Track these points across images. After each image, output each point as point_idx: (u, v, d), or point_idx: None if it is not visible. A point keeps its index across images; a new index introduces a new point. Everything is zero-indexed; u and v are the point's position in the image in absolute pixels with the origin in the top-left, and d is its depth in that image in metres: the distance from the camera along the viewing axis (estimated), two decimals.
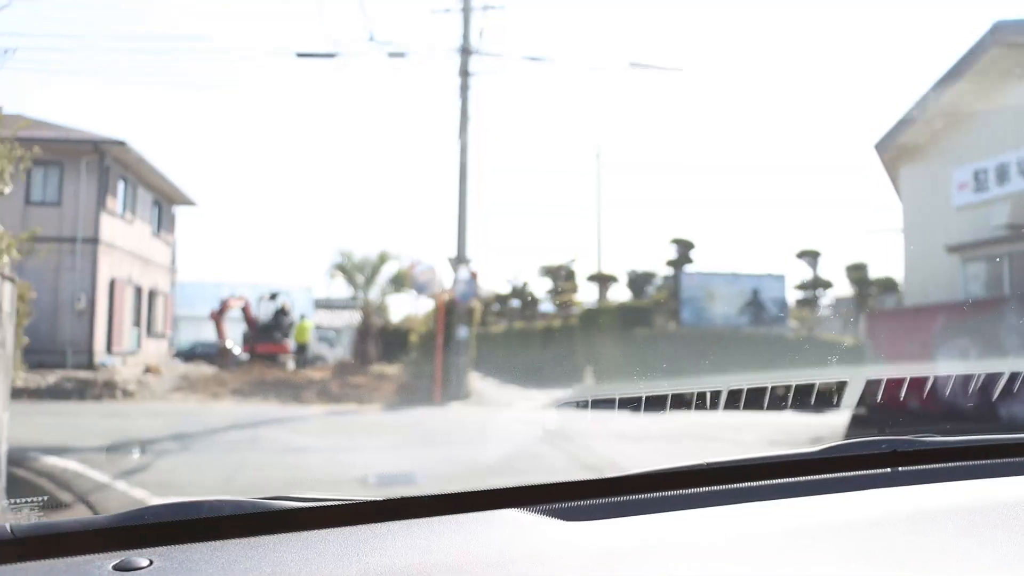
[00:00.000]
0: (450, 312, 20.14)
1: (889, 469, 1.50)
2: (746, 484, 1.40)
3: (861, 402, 2.50)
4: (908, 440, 1.55)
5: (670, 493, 1.36)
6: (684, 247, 21.10)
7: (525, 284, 36.22)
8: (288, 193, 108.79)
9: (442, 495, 1.26)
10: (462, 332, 19.90)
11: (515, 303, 36.73)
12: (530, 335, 29.89)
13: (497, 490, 1.28)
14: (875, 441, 1.51)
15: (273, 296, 27.34)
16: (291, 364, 25.59)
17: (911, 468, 1.51)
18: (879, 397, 2.44)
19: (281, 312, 26.43)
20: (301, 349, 25.58)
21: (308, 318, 26.52)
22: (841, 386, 2.61)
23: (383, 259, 23.67)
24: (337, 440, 11.40)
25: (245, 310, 25.34)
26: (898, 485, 1.44)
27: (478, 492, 1.26)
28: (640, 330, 19.73)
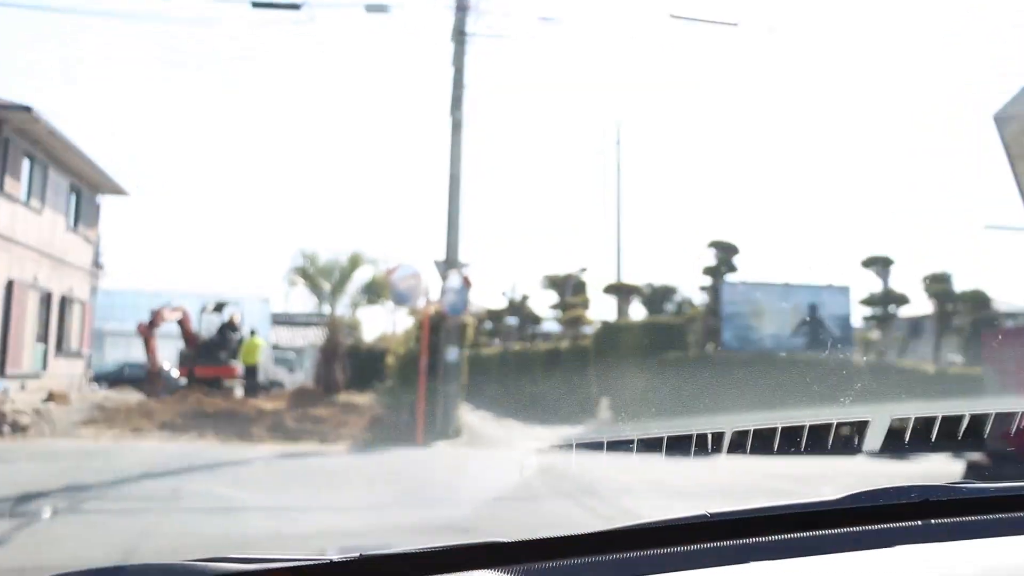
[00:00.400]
0: (437, 329, 18.70)
1: (921, 522, 1.50)
2: (755, 539, 1.40)
3: (977, 444, 2.50)
4: (943, 487, 1.57)
5: (669, 550, 1.37)
6: (726, 251, 19.74)
7: (524, 298, 34.86)
8: (242, 181, 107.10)
9: (416, 552, 1.27)
10: (451, 354, 18.46)
11: (511, 320, 35.33)
12: (531, 359, 28.48)
13: (475, 546, 1.30)
14: (904, 488, 1.52)
15: (219, 307, 25.83)
16: (239, 391, 24.05)
17: (946, 521, 1.51)
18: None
19: (228, 327, 24.91)
20: (251, 372, 24.05)
21: (260, 335, 24.98)
22: (955, 423, 2.52)
23: (355, 263, 22.16)
24: (288, 494, 9.91)
25: (183, 323, 23.80)
26: (931, 541, 1.45)
27: (456, 548, 1.27)
28: (670, 354, 18.33)
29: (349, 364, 25.32)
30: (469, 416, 21.60)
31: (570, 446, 16.51)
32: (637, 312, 24.05)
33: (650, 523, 1.40)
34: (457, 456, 15.01)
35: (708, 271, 19.81)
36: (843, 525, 1.47)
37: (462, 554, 1.29)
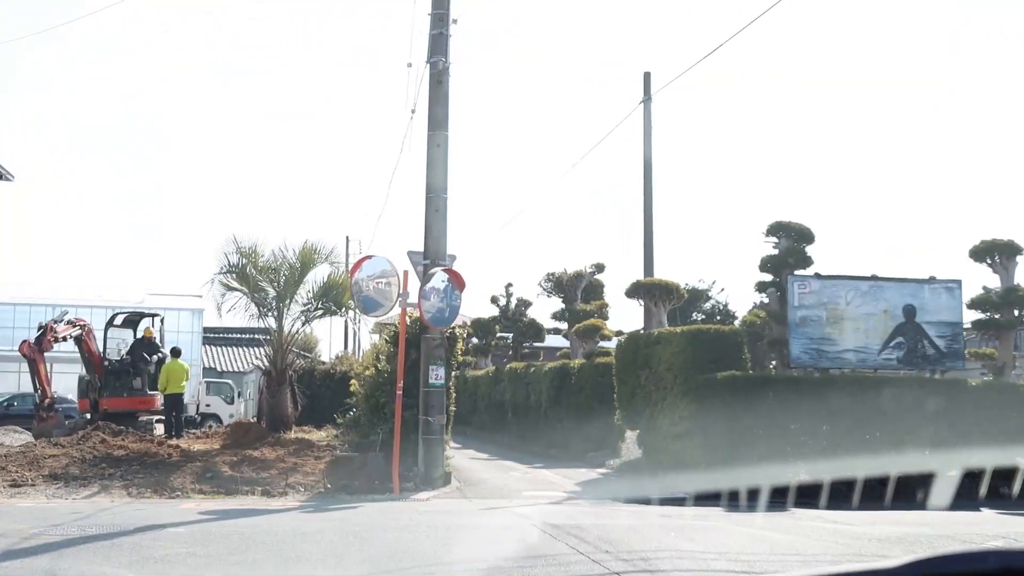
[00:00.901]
0: (416, 344, 17.10)
1: None
2: None
3: None
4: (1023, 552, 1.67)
5: None
6: (793, 236, 18.16)
7: (521, 304, 33.27)
8: (161, 160, 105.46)
9: None
10: (435, 375, 16.85)
11: (503, 332, 33.73)
12: (533, 382, 26.89)
13: None
14: (981, 554, 1.55)
15: (131, 320, 24.12)
16: (158, 429, 22.37)
17: None
18: None
19: (143, 345, 23.22)
20: (174, 404, 22.38)
21: (185, 356, 23.25)
22: None
23: (307, 260, 20.49)
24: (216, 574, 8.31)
25: (83, 341, 22.05)
26: None
27: None
28: (719, 375, 16.75)
29: (302, 392, 23.67)
30: (457, 457, 19.94)
31: (598, 499, 14.91)
32: (673, 320, 22.34)
33: None
34: (446, 513, 13.38)
35: (769, 264, 18.20)
36: None
37: None
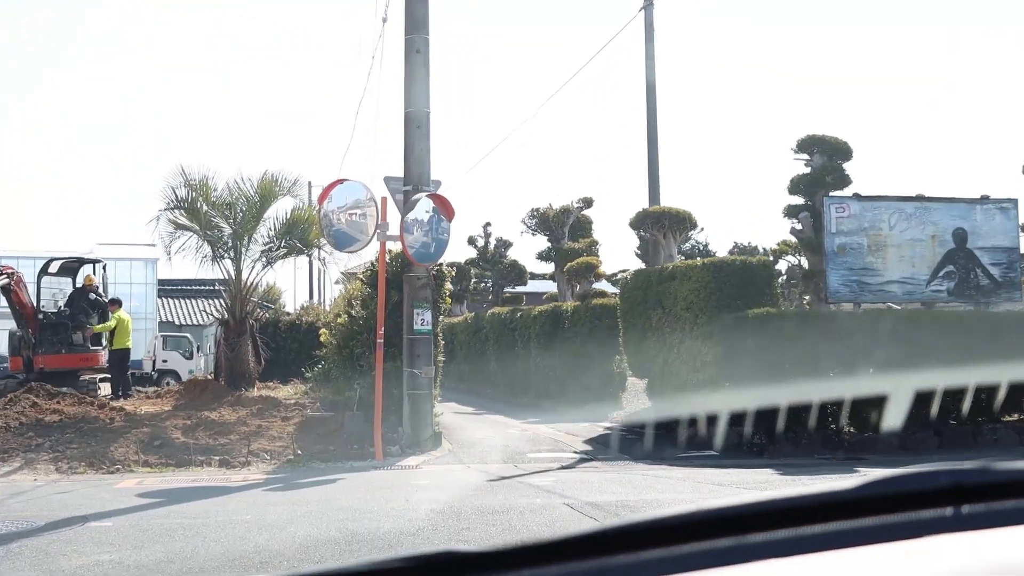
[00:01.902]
0: (397, 284, 14.61)
1: (951, 510, 1.54)
2: (762, 536, 1.43)
3: None
4: (976, 471, 1.64)
5: (661, 552, 1.39)
6: (828, 152, 15.69)
7: (501, 245, 30.76)
8: (94, 80, 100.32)
9: (358, 570, 1.33)
10: (421, 319, 14.37)
11: (481, 274, 31.24)
12: (520, 328, 24.44)
13: (431, 556, 1.31)
14: (931, 473, 1.57)
15: (68, 267, 21.33)
16: (102, 389, 19.73)
17: (980, 507, 1.55)
18: None
19: (83, 296, 20.49)
20: (120, 361, 19.72)
21: (129, 307, 20.52)
22: None
23: (267, 191, 17.78)
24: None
25: (12, 292, 19.25)
26: (964, 530, 1.49)
27: (407, 561, 1.30)
28: (751, 313, 14.39)
29: (265, 344, 21.09)
30: (447, 412, 17.51)
31: (614, 459, 12.49)
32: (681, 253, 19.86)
33: (639, 522, 1.43)
34: (449, 488, 10.95)
35: (801, 184, 15.75)
36: (862, 516, 1.47)
37: (417, 569, 1.30)
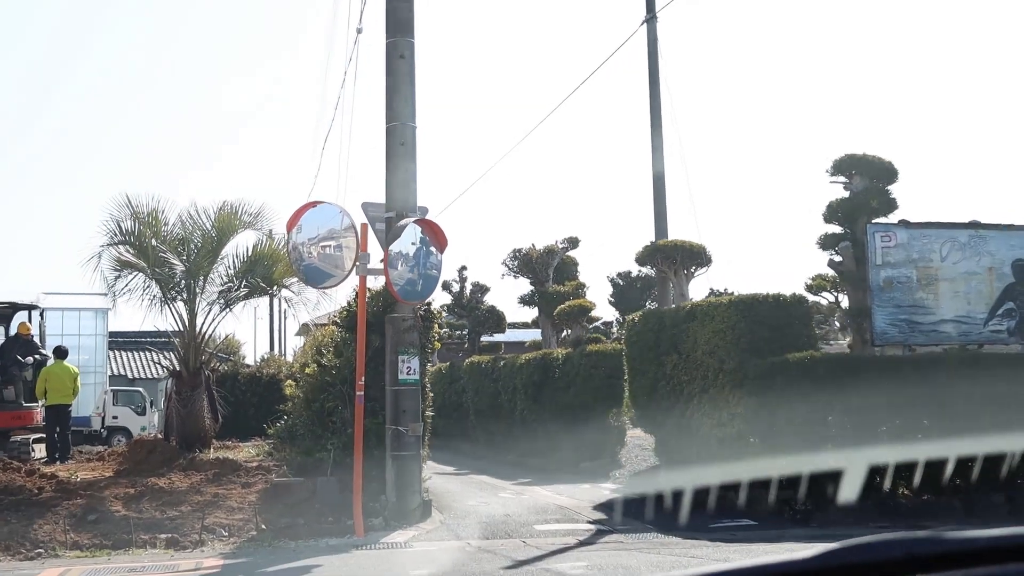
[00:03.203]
0: (376, 326, 12.46)
1: None
2: None
3: None
4: (928, 540, 1.65)
5: None
6: (871, 173, 13.71)
7: (478, 290, 28.65)
8: (36, 99, 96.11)
9: None
10: (407, 368, 12.21)
11: (452, 319, 29.04)
12: (502, 377, 22.24)
13: None
14: (885, 542, 1.60)
15: (2, 312, 18.93)
16: (36, 452, 17.27)
17: None
18: None
19: (17, 345, 18.05)
20: (59, 419, 17.27)
21: (68, 360, 18.09)
22: None
23: (226, 223, 15.47)
24: None
25: None
26: None
27: None
28: (791, 358, 12.37)
29: (223, 399, 18.74)
30: (436, 474, 15.22)
31: (640, 532, 10.37)
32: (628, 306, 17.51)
33: None
34: (446, 570, 8.72)
35: (839, 210, 13.74)
36: None
37: None
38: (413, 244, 12.05)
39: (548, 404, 19.97)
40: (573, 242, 24.51)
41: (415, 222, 11.85)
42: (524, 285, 25.75)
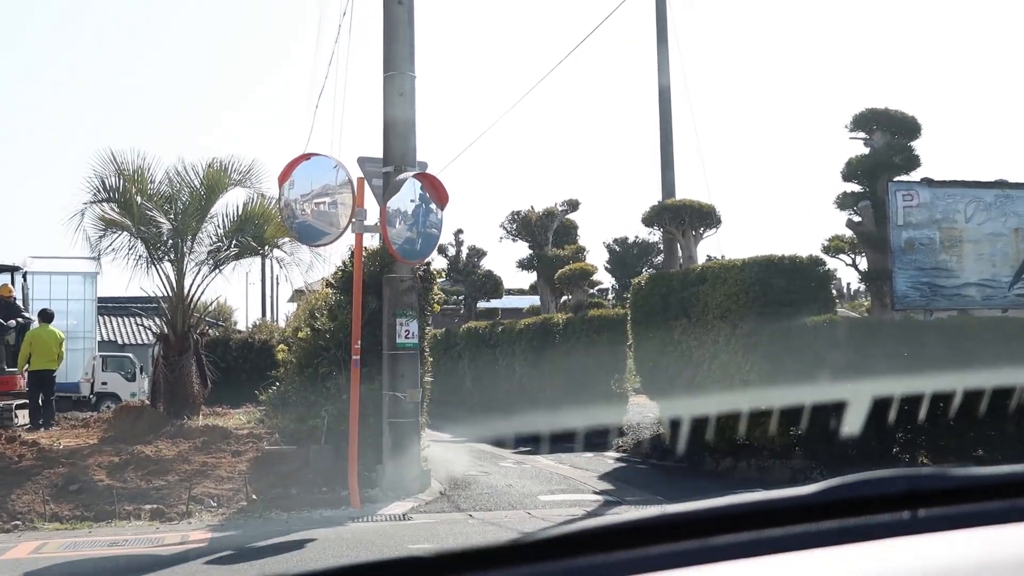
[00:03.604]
0: (374, 287, 11.82)
1: (907, 514, 1.55)
2: (719, 539, 1.42)
3: None
4: (931, 476, 1.66)
5: (619, 555, 1.37)
6: (893, 128, 13.04)
7: (474, 255, 27.97)
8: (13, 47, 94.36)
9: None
10: (406, 331, 11.57)
11: (450, 285, 28.39)
12: (501, 343, 21.64)
13: (387, 562, 1.33)
14: (888, 478, 1.58)
15: None
16: (19, 418, 16.62)
17: (935, 511, 1.56)
18: None
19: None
20: (43, 385, 16.62)
21: (55, 325, 17.40)
22: None
23: (215, 180, 14.73)
24: None
25: None
26: (918, 533, 1.50)
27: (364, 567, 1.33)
28: (810, 321, 11.77)
29: (213, 363, 18.11)
30: (433, 442, 14.59)
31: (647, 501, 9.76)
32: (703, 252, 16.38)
33: (600, 526, 1.42)
34: (448, 544, 8.06)
35: (859, 168, 13.07)
36: (819, 519, 1.49)
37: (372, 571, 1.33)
38: (412, 201, 11.39)
39: (548, 370, 19.38)
40: (573, 205, 23.84)
41: (414, 176, 11.18)
42: (522, 249, 25.16)
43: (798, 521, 1.47)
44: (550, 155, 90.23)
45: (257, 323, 41.40)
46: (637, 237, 50.21)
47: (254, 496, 10.71)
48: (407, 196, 11.34)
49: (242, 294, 55.84)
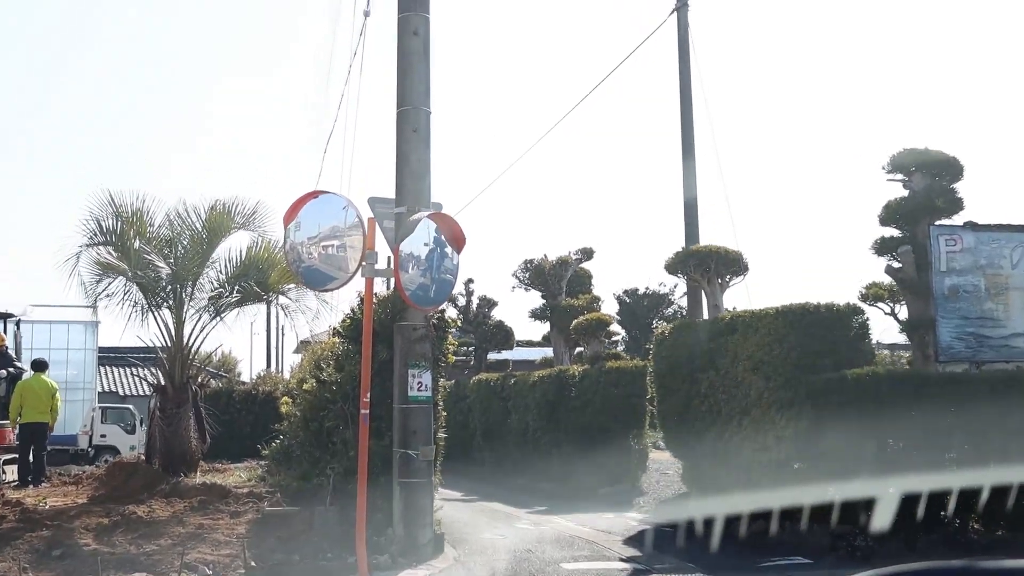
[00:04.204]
0: (385, 336, 11.01)
1: None
2: None
3: None
4: (958, 569, 1.85)
5: None
6: (933, 170, 12.26)
7: (485, 305, 27.16)
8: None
9: None
10: (418, 383, 10.74)
11: (459, 335, 27.52)
12: (513, 396, 20.76)
13: None
14: (918, 572, 1.75)
15: None
16: (7, 474, 15.75)
17: None
18: None
19: None
20: (35, 439, 15.75)
21: (53, 376, 16.56)
22: None
23: (218, 223, 13.99)
24: None
25: None
26: None
27: None
28: (851, 375, 10.92)
29: (215, 418, 17.22)
30: (446, 503, 13.65)
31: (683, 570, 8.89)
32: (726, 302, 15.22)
33: None
34: None
35: (898, 211, 12.28)
36: None
37: None
38: (426, 245, 10.57)
39: (563, 424, 18.48)
40: (587, 253, 23.08)
41: (429, 216, 10.38)
42: (535, 299, 24.35)
43: None
44: (564, 202, 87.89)
45: (261, 374, 40.55)
46: (648, 288, 49.39)
47: (253, 563, 9.79)
48: (421, 239, 10.53)
49: (246, 344, 54.83)
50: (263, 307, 17.55)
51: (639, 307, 46.17)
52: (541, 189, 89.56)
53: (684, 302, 50.24)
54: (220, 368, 43.10)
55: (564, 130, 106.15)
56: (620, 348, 38.55)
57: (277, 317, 41.22)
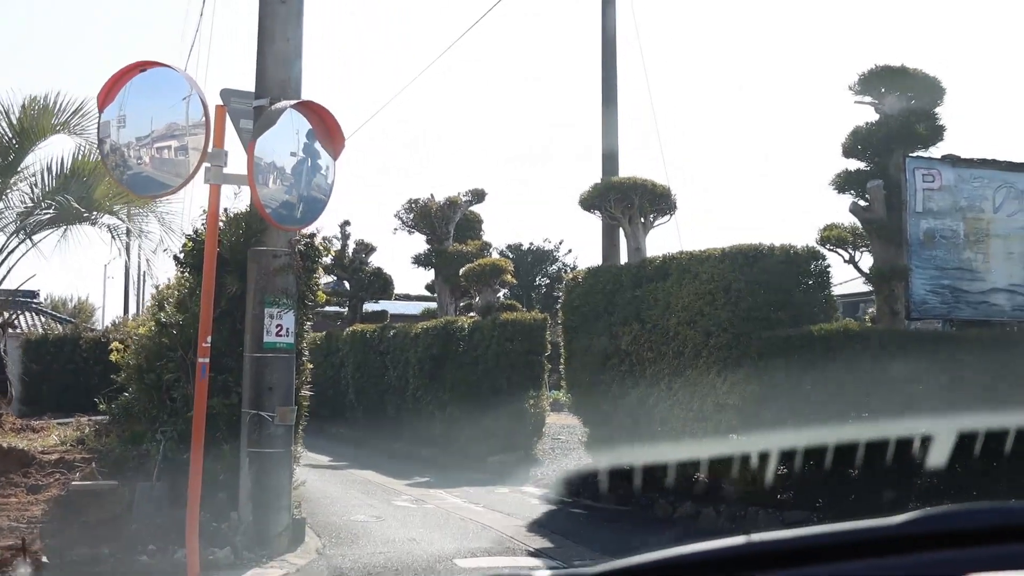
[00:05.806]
0: (236, 265, 8.46)
1: (999, 547, 1.44)
2: (804, 570, 1.40)
3: None
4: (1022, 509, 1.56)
5: None
6: (909, 91, 10.20)
7: (362, 250, 24.51)
8: None
9: None
10: (277, 325, 8.23)
11: (334, 284, 24.87)
12: (392, 350, 18.33)
13: None
14: (979, 510, 1.52)
15: None
16: None
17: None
18: None
19: None
20: None
21: None
22: None
23: (33, 125, 11.01)
24: None
25: None
26: (1009, 568, 1.40)
27: None
28: (815, 329, 8.91)
29: (59, 368, 14.21)
30: (308, 469, 11.11)
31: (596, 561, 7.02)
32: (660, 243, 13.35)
33: (681, 555, 1.39)
34: None
35: (867, 139, 10.20)
36: (907, 552, 1.43)
37: None
38: (293, 155, 8.06)
39: (449, 383, 16.13)
40: (479, 195, 20.68)
41: (295, 106, 7.85)
42: (418, 243, 21.82)
43: (884, 554, 1.40)
44: (457, 143, 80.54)
45: (116, 321, 37.01)
46: (532, 244, 47.29)
47: (44, 559, 7.21)
48: (286, 145, 8.03)
49: (99, 288, 50.65)
50: (121, 246, 14.53)
51: (523, 263, 43.91)
52: (432, 125, 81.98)
53: (570, 259, 48.29)
54: (75, 316, 39.56)
55: (471, 65, 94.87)
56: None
57: (139, 259, 37.69)
